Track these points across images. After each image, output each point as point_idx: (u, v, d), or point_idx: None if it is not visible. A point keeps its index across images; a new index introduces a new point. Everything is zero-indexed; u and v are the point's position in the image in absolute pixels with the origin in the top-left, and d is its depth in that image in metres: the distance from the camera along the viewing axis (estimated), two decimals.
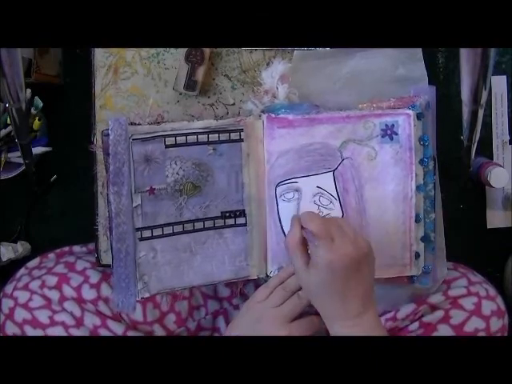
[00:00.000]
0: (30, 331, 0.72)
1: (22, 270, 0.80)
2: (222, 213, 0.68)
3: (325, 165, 0.68)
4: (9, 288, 0.76)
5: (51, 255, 0.85)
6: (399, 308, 0.73)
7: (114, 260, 0.65)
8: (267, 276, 0.70)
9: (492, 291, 0.73)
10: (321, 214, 0.68)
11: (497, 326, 0.70)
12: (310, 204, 0.68)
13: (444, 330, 0.69)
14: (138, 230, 0.66)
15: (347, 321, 0.58)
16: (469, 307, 0.70)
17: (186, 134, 0.66)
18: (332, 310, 0.59)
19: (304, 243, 0.61)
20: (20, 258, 0.95)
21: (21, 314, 0.73)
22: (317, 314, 0.62)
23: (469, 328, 0.69)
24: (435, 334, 0.71)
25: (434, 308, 0.72)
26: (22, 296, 0.74)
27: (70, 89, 0.97)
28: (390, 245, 0.68)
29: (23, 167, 0.90)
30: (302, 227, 0.61)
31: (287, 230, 0.68)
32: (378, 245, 0.67)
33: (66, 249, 0.87)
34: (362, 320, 0.58)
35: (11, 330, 0.73)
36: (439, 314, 0.71)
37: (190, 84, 0.72)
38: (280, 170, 0.68)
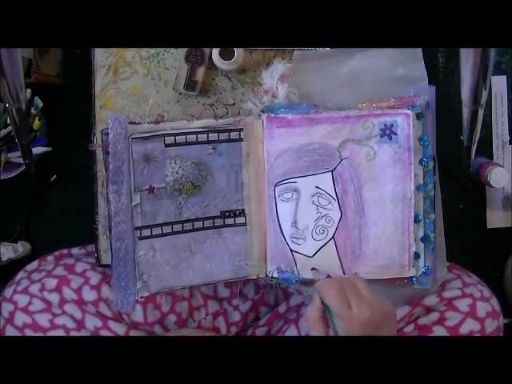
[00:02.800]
0: (31, 335, 0.72)
1: (21, 274, 0.80)
2: (221, 212, 0.68)
3: (323, 165, 0.68)
4: (8, 292, 0.76)
5: (50, 258, 0.84)
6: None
7: (114, 259, 0.65)
8: (266, 276, 0.70)
9: (486, 292, 0.73)
10: (319, 214, 0.68)
11: (492, 327, 0.70)
12: (308, 204, 0.68)
13: (439, 332, 0.69)
14: (137, 228, 0.66)
15: None
16: (464, 309, 0.70)
17: (186, 134, 0.67)
18: None
19: (323, 316, 0.59)
20: (20, 257, 0.95)
21: (21, 318, 0.73)
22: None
23: (464, 330, 0.69)
24: (430, 336, 0.70)
25: (428, 310, 0.72)
26: (22, 300, 0.74)
27: (70, 89, 0.97)
28: (388, 245, 0.68)
29: (23, 167, 0.90)
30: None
31: (285, 230, 0.68)
32: (376, 245, 0.67)
33: (65, 251, 0.87)
34: None
35: (11, 334, 0.73)
36: (434, 315, 0.71)
37: (190, 84, 0.72)
38: (279, 170, 0.68)
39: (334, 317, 0.56)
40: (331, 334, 0.57)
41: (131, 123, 0.65)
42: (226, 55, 0.70)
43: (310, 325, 0.59)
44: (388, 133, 0.67)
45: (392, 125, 0.67)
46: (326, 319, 0.58)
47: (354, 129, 0.67)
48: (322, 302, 0.58)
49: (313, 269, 0.68)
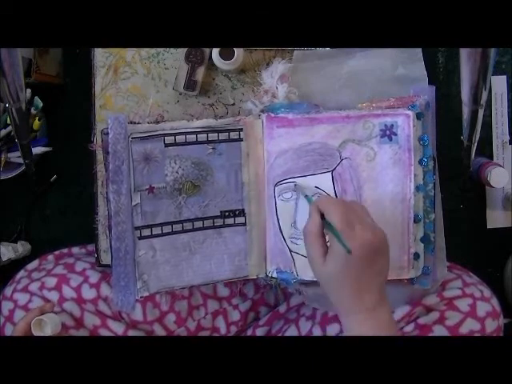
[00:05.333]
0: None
1: (22, 273, 0.80)
2: (221, 212, 0.68)
3: (323, 165, 0.68)
4: (8, 290, 0.76)
5: (50, 257, 0.85)
6: (394, 310, 0.72)
7: (114, 259, 0.65)
8: (266, 275, 0.70)
9: (487, 292, 0.73)
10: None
11: (492, 327, 0.70)
12: (307, 204, 0.67)
13: (439, 332, 0.69)
14: (137, 228, 0.66)
15: (361, 314, 0.57)
16: (464, 309, 0.70)
17: (186, 133, 0.67)
18: (347, 301, 0.57)
19: (322, 233, 0.59)
20: (20, 257, 0.96)
21: (21, 316, 0.73)
22: None
23: (464, 329, 0.69)
24: (430, 335, 0.70)
25: (429, 309, 0.72)
26: (22, 298, 0.74)
27: (70, 89, 0.97)
28: None
29: (23, 167, 0.90)
30: (322, 215, 0.59)
31: (285, 231, 0.68)
32: None
33: (65, 250, 0.87)
34: (375, 314, 0.57)
35: (11, 332, 0.73)
36: (434, 315, 0.71)
37: (190, 84, 0.72)
38: (279, 170, 0.68)
39: (339, 232, 0.55)
40: (330, 255, 0.57)
41: (131, 123, 0.65)
42: (226, 55, 0.70)
43: (309, 241, 0.58)
44: (388, 133, 0.67)
45: (392, 125, 0.67)
46: (324, 237, 0.58)
47: (355, 129, 0.67)
48: (322, 218, 0.58)
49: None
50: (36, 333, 0.69)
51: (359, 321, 0.57)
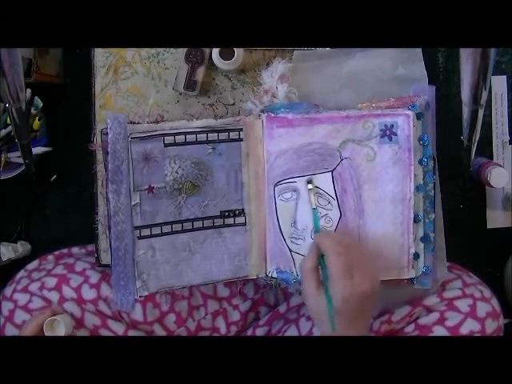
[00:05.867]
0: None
1: (22, 273, 0.80)
2: (221, 212, 0.68)
3: (323, 165, 0.67)
4: (8, 290, 0.76)
5: (50, 257, 0.85)
6: (394, 311, 0.72)
7: (113, 258, 0.65)
8: (266, 275, 0.70)
9: (487, 293, 0.73)
10: (318, 214, 0.68)
11: (492, 327, 0.70)
12: (307, 204, 0.67)
13: (439, 332, 0.69)
14: (136, 228, 0.66)
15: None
16: (464, 309, 0.70)
17: (185, 133, 0.66)
18: (336, 332, 0.59)
19: (317, 268, 0.60)
20: (20, 257, 0.96)
21: (21, 316, 0.73)
22: None
23: (464, 330, 0.69)
24: (431, 336, 0.70)
25: (429, 310, 0.72)
26: (22, 298, 0.74)
27: (70, 89, 0.97)
28: (387, 246, 0.67)
29: (23, 167, 0.90)
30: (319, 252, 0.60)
31: (285, 231, 0.68)
32: (375, 246, 0.67)
33: (65, 251, 0.87)
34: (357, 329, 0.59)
35: (11, 332, 0.73)
36: (434, 316, 0.71)
37: (190, 84, 0.72)
38: (279, 170, 0.68)
39: (329, 280, 0.57)
40: (319, 293, 0.58)
41: (131, 123, 0.65)
42: (226, 55, 0.70)
43: (303, 275, 0.60)
44: (388, 133, 0.67)
45: (392, 125, 0.67)
46: (317, 272, 0.60)
47: (355, 129, 0.67)
48: (321, 255, 0.59)
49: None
50: (48, 334, 0.69)
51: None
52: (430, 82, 0.71)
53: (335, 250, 0.59)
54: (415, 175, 0.67)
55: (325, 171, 0.67)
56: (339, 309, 0.57)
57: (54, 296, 0.74)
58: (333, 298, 0.57)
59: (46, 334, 0.69)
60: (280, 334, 0.80)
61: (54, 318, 0.69)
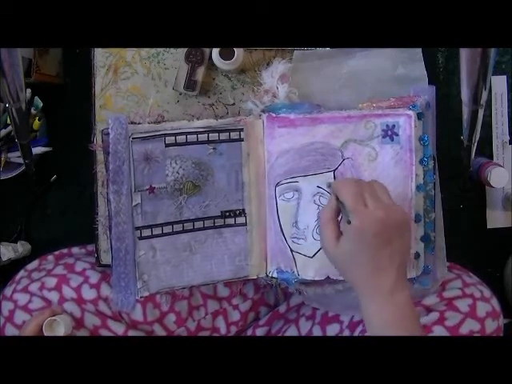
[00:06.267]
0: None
1: (22, 273, 0.80)
2: (221, 212, 0.68)
3: (325, 164, 0.67)
4: (8, 290, 0.76)
5: (50, 257, 0.85)
6: None
7: (114, 259, 0.65)
8: (267, 276, 0.70)
9: (487, 292, 0.73)
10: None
11: (492, 327, 0.70)
12: (309, 204, 0.68)
13: (439, 332, 0.69)
14: (137, 228, 0.66)
15: (378, 297, 0.56)
16: (464, 309, 0.70)
17: (186, 133, 0.66)
18: (363, 282, 0.56)
19: (336, 217, 0.59)
20: (20, 257, 0.95)
21: (21, 316, 0.73)
22: None
23: (464, 330, 0.69)
24: (430, 335, 0.70)
25: (428, 310, 0.72)
26: (22, 298, 0.74)
27: (70, 89, 0.97)
28: None
29: (23, 167, 0.90)
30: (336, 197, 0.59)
31: (286, 230, 0.68)
32: None
33: (65, 251, 0.87)
34: (393, 298, 0.55)
35: (11, 332, 0.73)
36: (434, 315, 0.71)
37: (190, 84, 0.72)
38: (280, 170, 0.68)
39: (346, 210, 0.56)
40: (344, 232, 0.57)
41: (131, 123, 0.65)
42: (226, 55, 0.70)
43: (322, 225, 0.59)
44: (390, 133, 0.67)
45: (394, 125, 0.67)
46: (337, 222, 0.59)
47: (356, 129, 0.67)
48: (338, 200, 0.58)
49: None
50: (48, 334, 0.69)
51: (377, 305, 0.56)
52: (430, 82, 0.71)
53: (346, 185, 0.58)
54: (416, 175, 0.67)
55: (326, 171, 0.67)
56: (358, 242, 0.55)
57: (53, 296, 0.74)
58: (349, 232, 0.56)
59: (46, 335, 0.69)
60: (280, 334, 0.80)
61: (53, 318, 0.70)
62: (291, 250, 0.68)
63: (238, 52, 0.70)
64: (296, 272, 0.68)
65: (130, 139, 0.65)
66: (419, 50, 0.71)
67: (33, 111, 0.89)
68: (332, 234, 0.57)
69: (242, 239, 0.69)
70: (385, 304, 0.56)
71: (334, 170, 0.67)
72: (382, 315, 0.56)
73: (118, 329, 0.75)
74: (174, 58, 0.74)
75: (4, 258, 0.92)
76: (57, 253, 0.86)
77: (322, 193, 0.67)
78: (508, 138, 0.97)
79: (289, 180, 0.68)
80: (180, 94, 0.74)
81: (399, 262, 0.57)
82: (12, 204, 1.00)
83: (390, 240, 0.55)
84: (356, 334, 0.74)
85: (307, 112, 0.67)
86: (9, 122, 0.88)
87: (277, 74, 0.69)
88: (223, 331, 0.81)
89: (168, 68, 0.75)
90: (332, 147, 0.67)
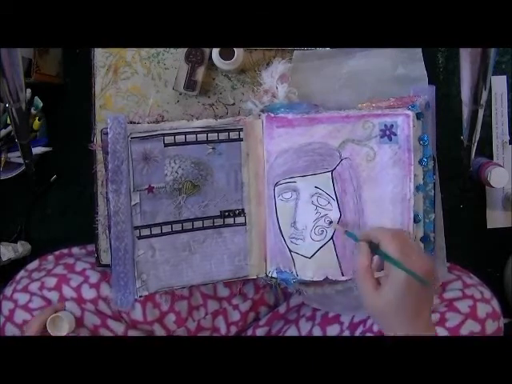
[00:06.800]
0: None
1: (22, 273, 0.80)
2: (221, 212, 0.68)
3: (323, 165, 0.67)
4: (8, 290, 0.76)
5: (50, 257, 0.85)
6: None
7: (113, 258, 0.65)
8: (266, 276, 0.70)
9: (487, 294, 0.73)
10: (318, 214, 0.68)
11: (492, 328, 0.70)
12: (307, 204, 0.67)
13: (440, 333, 0.69)
14: (136, 228, 0.66)
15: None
16: (464, 310, 0.70)
17: (185, 133, 0.67)
18: (401, 328, 0.57)
19: (371, 267, 0.59)
20: (20, 257, 0.96)
21: (21, 316, 0.73)
22: None
23: (464, 331, 0.69)
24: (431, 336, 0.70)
25: None
26: (22, 298, 0.75)
27: (70, 89, 0.97)
28: None
29: (23, 167, 0.90)
30: (371, 249, 0.60)
31: (284, 231, 0.68)
32: None
33: (65, 251, 0.87)
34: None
35: (11, 331, 0.73)
36: (435, 316, 0.70)
37: (190, 84, 0.72)
38: (279, 170, 0.68)
39: (397, 261, 0.56)
40: (386, 285, 0.57)
41: (131, 123, 0.65)
42: (226, 55, 0.70)
43: (360, 277, 0.59)
44: (388, 133, 0.67)
45: (392, 125, 0.67)
46: (372, 271, 0.59)
47: (354, 129, 0.67)
48: (372, 250, 0.59)
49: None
50: (52, 331, 0.70)
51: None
52: (430, 82, 0.71)
53: (390, 236, 0.58)
54: (415, 175, 0.67)
55: (324, 171, 0.67)
56: (403, 291, 0.56)
57: (53, 296, 0.74)
58: (395, 282, 0.56)
59: (50, 332, 0.69)
60: (280, 335, 0.80)
61: (56, 314, 0.70)
62: (290, 251, 0.68)
63: (238, 52, 0.70)
64: (295, 272, 0.68)
65: (129, 139, 0.65)
66: (419, 50, 0.71)
67: (33, 111, 0.89)
68: (372, 285, 0.58)
69: (241, 239, 0.69)
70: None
71: (332, 171, 0.67)
72: None
73: (118, 328, 0.75)
74: (174, 58, 0.74)
75: (4, 258, 0.92)
76: (57, 253, 0.86)
77: (319, 193, 0.67)
78: (508, 137, 0.97)
79: (287, 180, 0.68)
80: (180, 94, 0.74)
81: (430, 305, 0.59)
82: (12, 204, 1.00)
83: (427, 288, 0.57)
84: (356, 334, 0.74)
85: (305, 112, 0.67)
86: (9, 121, 0.88)
87: (277, 74, 0.69)
88: (223, 331, 0.81)
89: (168, 68, 0.75)
90: (330, 147, 0.67)
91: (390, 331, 0.59)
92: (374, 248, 0.59)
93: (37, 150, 0.91)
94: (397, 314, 0.57)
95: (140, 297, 0.67)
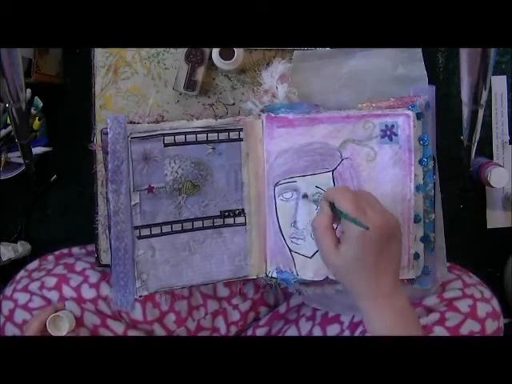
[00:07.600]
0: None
1: (22, 273, 0.80)
2: (221, 212, 0.68)
3: (324, 165, 0.67)
4: (8, 290, 0.76)
5: (50, 257, 0.85)
6: None
7: (113, 258, 0.65)
8: (266, 276, 0.70)
9: (487, 293, 0.73)
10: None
11: (492, 328, 0.70)
12: (308, 204, 0.67)
13: (439, 333, 0.69)
14: (136, 228, 0.66)
15: (379, 299, 0.57)
16: (464, 309, 0.70)
17: (185, 133, 0.66)
18: (364, 286, 0.57)
19: (332, 225, 0.59)
20: (20, 257, 0.96)
21: (21, 315, 0.73)
22: None
23: (464, 330, 0.69)
24: (431, 336, 0.70)
25: (429, 310, 0.72)
26: (22, 297, 0.75)
27: (70, 89, 0.97)
28: None
29: (23, 167, 0.90)
30: (330, 206, 0.59)
31: (285, 230, 0.68)
32: None
33: (65, 251, 0.87)
34: (393, 300, 0.57)
35: (11, 331, 0.73)
36: (434, 316, 0.71)
37: (190, 84, 0.72)
38: (279, 170, 0.68)
39: (353, 218, 0.56)
40: (343, 242, 0.57)
41: (131, 123, 0.65)
42: (226, 55, 0.70)
43: (320, 234, 0.59)
44: (389, 133, 0.67)
45: (393, 125, 0.67)
46: (333, 228, 0.59)
47: (355, 129, 0.67)
48: (332, 209, 0.59)
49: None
50: (52, 331, 0.70)
51: (377, 307, 0.57)
52: (430, 82, 0.71)
53: (343, 193, 0.58)
54: (415, 175, 0.67)
55: (325, 171, 0.67)
56: (359, 248, 0.56)
57: (53, 295, 0.75)
58: (351, 239, 0.56)
59: (49, 331, 0.70)
60: (280, 335, 0.80)
61: (56, 314, 0.70)
62: (290, 250, 0.68)
63: (238, 52, 0.70)
64: (295, 272, 0.68)
65: (129, 139, 0.65)
66: (419, 50, 0.71)
67: (33, 111, 0.89)
68: (332, 242, 0.58)
69: (241, 239, 0.69)
70: (386, 307, 0.57)
71: (333, 171, 0.67)
72: (384, 319, 0.57)
73: (118, 328, 0.75)
74: (174, 58, 0.74)
75: (4, 258, 0.92)
76: (57, 253, 0.86)
77: (320, 193, 0.67)
78: (508, 137, 0.97)
79: (287, 180, 0.68)
80: (180, 94, 0.74)
81: (396, 265, 0.58)
82: (12, 204, 1.00)
83: (389, 245, 0.57)
84: (356, 334, 0.74)
85: (305, 112, 0.67)
86: (9, 121, 0.88)
87: (277, 74, 0.69)
88: (223, 331, 0.81)
89: (168, 68, 0.75)
90: (330, 147, 0.67)
91: (352, 289, 0.59)
92: (333, 207, 0.59)
93: (37, 149, 0.91)
94: (358, 271, 0.57)
95: (140, 297, 0.67)
